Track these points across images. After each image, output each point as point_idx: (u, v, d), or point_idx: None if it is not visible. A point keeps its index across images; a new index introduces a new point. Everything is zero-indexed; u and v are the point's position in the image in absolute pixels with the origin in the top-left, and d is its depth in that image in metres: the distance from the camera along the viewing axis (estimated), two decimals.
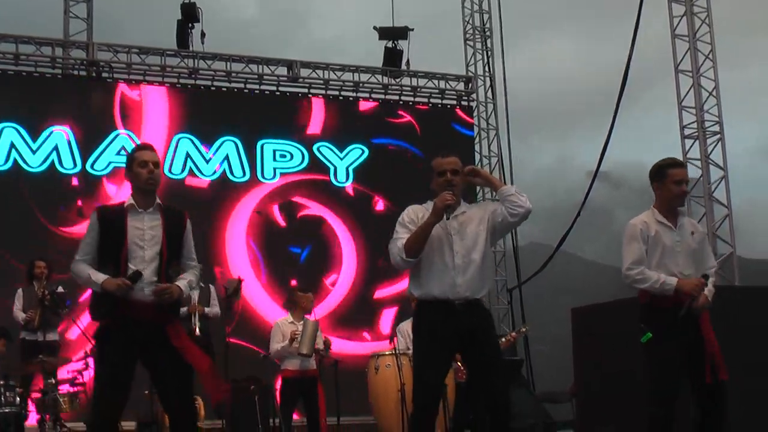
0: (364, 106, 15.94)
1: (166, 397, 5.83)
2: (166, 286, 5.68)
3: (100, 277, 5.63)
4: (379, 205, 15.29)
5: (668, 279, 6.11)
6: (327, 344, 10.09)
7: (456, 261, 5.76)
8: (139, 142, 13.88)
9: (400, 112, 16.07)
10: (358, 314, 14.75)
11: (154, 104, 14.49)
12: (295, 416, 9.85)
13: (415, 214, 5.91)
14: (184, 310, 10.72)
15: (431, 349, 5.75)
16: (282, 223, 14.79)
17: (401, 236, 5.79)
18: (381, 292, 14.93)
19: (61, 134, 13.77)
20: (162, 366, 5.71)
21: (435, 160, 6.04)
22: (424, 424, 5.72)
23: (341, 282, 14.90)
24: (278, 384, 10.08)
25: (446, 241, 5.79)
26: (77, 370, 9.95)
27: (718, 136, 14.51)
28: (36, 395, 9.49)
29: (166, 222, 5.81)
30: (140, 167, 5.78)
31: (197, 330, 10.68)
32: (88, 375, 9.57)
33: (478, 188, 14.92)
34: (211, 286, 11.15)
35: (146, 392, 10.16)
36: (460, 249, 5.79)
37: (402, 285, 14.02)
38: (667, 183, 6.30)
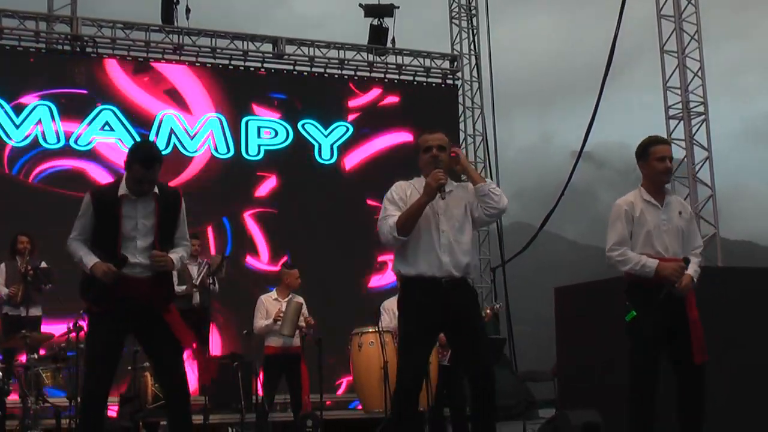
0: (350, 84, 15.89)
1: (160, 371, 5.91)
2: (161, 254, 5.72)
3: (90, 260, 5.69)
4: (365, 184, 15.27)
5: (648, 261, 6.12)
6: (310, 327, 10.10)
7: (442, 240, 5.77)
8: (123, 118, 13.87)
9: (386, 90, 16.02)
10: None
11: (139, 79, 14.41)
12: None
13: (402, 190, 5.91)
14: (183, 287, 10.84)
15: (417, 328, 5.77)
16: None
17: (391, 213, 5.78)
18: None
19: (44, 108, 13.69)
20: (155, 340, 5.79)
21: (422, 137, 6.05)
22: (408, 401, 5.73)
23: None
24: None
25: (433, 220, 5.79)
26: (61, 346, 9.93)
27: (703, 116, 14.56)
28: (18, 370, 9.47)
29: (160, 208, 5.81)
30: (132, 180, 5.78)
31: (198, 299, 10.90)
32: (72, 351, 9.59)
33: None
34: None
35: (129, 368, 10.19)
36: (447, 229, 5.79)
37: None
38: (651, 160, 6.31)
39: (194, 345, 5.89)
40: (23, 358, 9.50)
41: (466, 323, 5.77)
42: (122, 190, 5.77)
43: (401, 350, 5.92)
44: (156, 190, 5.83)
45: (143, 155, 5.78)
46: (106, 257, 5.66)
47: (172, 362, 5.75)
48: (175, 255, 5.87)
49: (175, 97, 14.51)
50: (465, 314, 5.78)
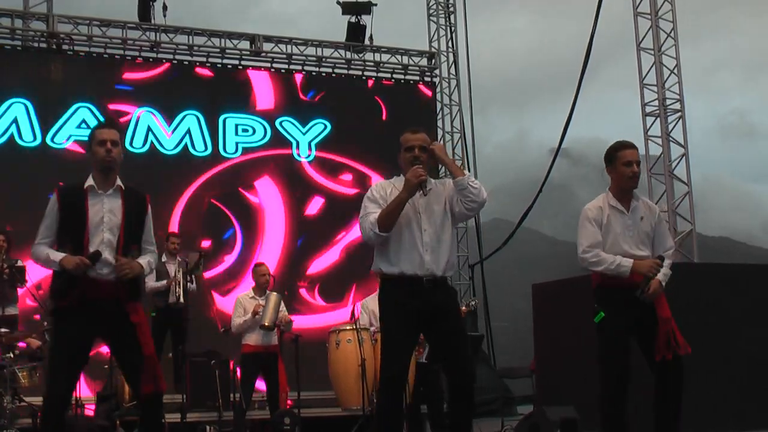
0: (328, 81, 15.88)
1: (129, 374, 5.83)
2: (126, 261, 5.64)
3: (58, 255, 5.60)
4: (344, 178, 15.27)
5: (623, 260, 6.16)
6: (288, 323, 10.12)
7: (424, 239, 5.79)
8: (100, 116, 13.79)
9: (363, 88, 16.03)
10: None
11: (116, 77, 14.34)
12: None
13: (383, 189, 5.92)
14: (163, 282, 10.89)
15: (398, 325, 5.78)
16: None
17: (372, 211, 5.80)
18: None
19: (20, 106, 13.61)
20: (121, 342, 5.72)
21: (404, 136, 6.03)
22: (393, 398, 5.75)
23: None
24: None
25: (414, 219, 5.81)
26: (37, 345, 9.88)
27: (679, 114, 14.62)
28: None
29: (126, 205, 5.78)
30: (98, 146, 5.76)
31: (181, 299, 10.88)
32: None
33: (440, 165, 14.99)
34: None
35: (106, 366, 10.16)
36: (428, 227, 5.81)
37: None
38: (618, 165, 6.32)
39: (150, 353, 5.74)
40: None
41: (445, 321, 5.78)
42: (88, 182, 5.75)
43: (383, 346, 5.91)
44: (122, 186, 5.80)
45: (102, 121, 5.83)
46: (74, 251, 5.58)
47: (138, 369, 5.64)
48: (143, 260, 5.81)
49: (151, 95, 14.43)
50: (444, 312, 5.80)
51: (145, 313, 5.97)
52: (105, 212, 5.69)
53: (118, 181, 5.82)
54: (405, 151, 5.93)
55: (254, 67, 15.49)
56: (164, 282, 10.86)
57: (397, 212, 5.72)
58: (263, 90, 15.23)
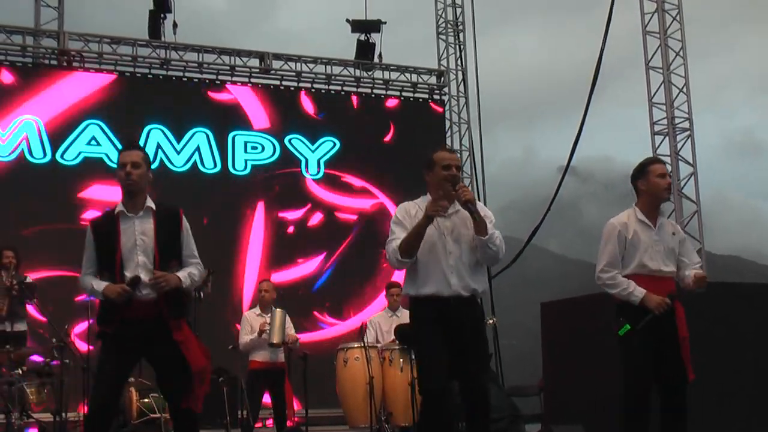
0: (337, 99, 15.91)
1: (169, 393, 5.84)
2: (161, 274, 5.68)
3: (101, 285, 5.70)
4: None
5: (636, 290, 6.16)
6: (295, 341, 10.10)
7: (450, 261, 5.80)
8: (110, 132, 13.85)
9: (372, 105, 16.05)
10: None
11: (127, 94, 14.39)
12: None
13: (406, 211, 5.95)
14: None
15: (431, 340, 5.79)
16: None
17: (396, 236, 5.85)
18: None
19: (30, 123, 13.66)
20: (164, 362, 5.77)
21: (439, 153, 5.99)
22: (436, 405, 5.75)
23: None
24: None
25: (439, 241, 5.82)
26: (45, 362, 9.90)
27: (688, 132, 14.60)
28: (2, 386, 9.42)
29: (159, 225, 5.81)
30: (119, 169, 5.81)
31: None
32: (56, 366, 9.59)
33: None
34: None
35: None
36: (454, 250, 5.83)
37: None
38: (652, 178, 6.36)
39: (198, 369, 5.77)
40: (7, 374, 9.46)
41: (468, 339, 5.80)
42: (118, 208, 5.81)
43: (420, 365, 5.94)
44: (153, 206, 5.84)
45: (123, 143, 5.90)
46: (111, 278, 5.68)
47: (179, 386, 5.70)
48: (182, 272, 5.83)
49: (162, 113, 14.49)
50: (468, 330, 5.82)
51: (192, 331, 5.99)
52: (137, 235, 5.75)
53: (148, 202, 5.86)
54: (442, 169, 5.87)
55: (264, 85, 15.54)
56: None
57: (418, 239, 5.74)
58: (276, 107, 15.28)
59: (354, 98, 16.07)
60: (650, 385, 6.14)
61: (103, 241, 5.77)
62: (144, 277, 5.67)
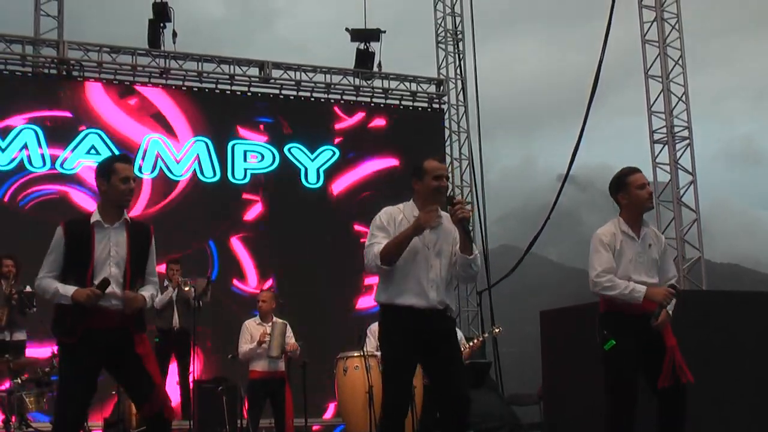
0: (336, 107, 15.93)
1: (137, 400, 5.80)
2: (134, 295, 5.64)
3: (69, 289, 5.55)
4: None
5: (637, 287, 6.12)
6: (295, 350, 10.09)
7: (430, 275, 5.74)
8: (109, 141, 13.85)
9: (372, 114, 16.07)
10: None
11: (125, 103, 14.42)
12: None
13: (390, 216, 5.85)
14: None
15: (397, 352, 5.75)
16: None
17: (378, 241, 5.73)
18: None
19: (30, 132, 13.68)
20: (127, 373, 5.70)
21: (430, 163, 5.89)
22: (395, 424, 5.71)
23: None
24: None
25: (422, 253, 5.75)
26: (44, 370, 9.89)
27: (687, 141, 14.62)
28: (2, 394, 9.43)
29: (132, 239, 5.73)
30: (121, 182, 5.69)
31: (178, 323, 10.88)
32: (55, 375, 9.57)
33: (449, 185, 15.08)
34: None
35: (113, 392, 10.15)
36: (435, 264, 5.75)
37: None
38: (632, 190, 6.31)
39: (158, 382, 5.72)
40: (7, 383, 9.47)
41: (442, 350, 5.72)
42: (94, 217, 5.70)
43: (385, 376, 5.88)
44: (128, 219, 5.77)
45: (120, 155, 5.82)
46: (78, 285, 5.55)
47: (148, 392, 5.61)
48: (146, 293, 5.79)
49: (161, 121, 14.53)
50: (442, 341, 5.75)
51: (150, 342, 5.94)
52: (111, 246, 5.65)
53: (125, 214, 5.78)
54: (433, 179, 5.81)
55: (263, 93, 15.57)
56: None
57: (402, 248, 5.66)
58: (276, 116, 15.33)
59: (353, 107, 16.07)
60: (635, 399, 6.10)
61: (74, 248, 5.64)
62: (115, 288, 5.57)
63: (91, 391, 5.65)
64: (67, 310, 5.57)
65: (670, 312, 6.18)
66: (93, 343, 5.55)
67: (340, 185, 15.39)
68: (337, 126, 15.70)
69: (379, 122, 16.02)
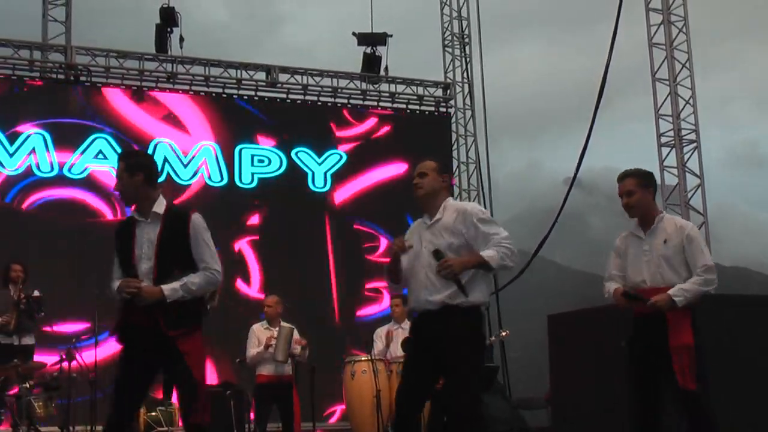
0: (344, 111, 15.94)
1: (180, 402, 5.68)
2: (130, 281, 5.55)
3: (114, 285, 5.65)
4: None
5: (609, 288, 6.23)
6: (304, 348, 10.09)
7: (420, 276, 5.76)
8: (117, 146, 13.88)
9: (379, 118, 16.07)
10: None
11: (133, 108, 14.43)
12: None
13: (410, 231, 5.98)
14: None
15: (410, 352, 5.93)
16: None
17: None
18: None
19: (38, 137, 13.71)
20: (170, 371, 5.63)
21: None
22: (399, 418, 5.77)
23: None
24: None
25: (423, 255, 5.76)
26: (52, 375, 9.91)
27: (695, 144, 14.60)
28: (10, 399, 9.44)
29: (164, 231, 5.65)
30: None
31: None
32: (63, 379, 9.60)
33: (455, 188, 15.20)
34: None
35: None
36: (432, 263, 5.68)
37: None
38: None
39: (201, 381, 5.64)
40: (15, 387, 9.48)
41: (441, 357, 5.63)
42: (133, 214, 5.78)
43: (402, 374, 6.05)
44: (160, 211, 5.71)
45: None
46: None
47: (185, 399, 5.56)
48: (174, 283, 5.53)
49: (167, 126, 14.53)
50: (440, 347, 5.64)
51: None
52: (145, 241, 5.65)
53: (155, 207, 5.71)
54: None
55: (270, 98, 15.59)
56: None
57: (392, 270, 5.91)
58: (282, 120, 15.33)
59: (360, 111, 16.08)
60: (642, 396, 6.08)
61: (120, 248, 5.73)
62: (145, 283, 5.54)
63: (135, 390, 5.63)
64: (118, 306, 5.67)
65: (680, 299, 5.98)
66: (130, 339, 5.60)
67: (346, 189, 15.36)
68: (345, 130, 15.69)
69: (385, 126, 16.00)
